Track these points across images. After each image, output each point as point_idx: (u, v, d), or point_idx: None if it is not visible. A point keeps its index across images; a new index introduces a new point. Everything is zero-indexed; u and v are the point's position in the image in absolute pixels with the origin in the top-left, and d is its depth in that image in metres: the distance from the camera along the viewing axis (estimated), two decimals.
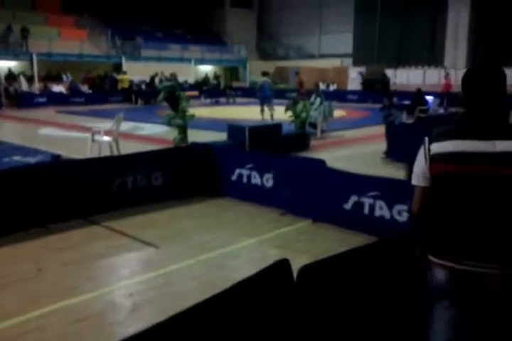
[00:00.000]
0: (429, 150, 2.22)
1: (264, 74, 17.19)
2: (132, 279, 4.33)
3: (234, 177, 6.96)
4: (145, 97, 25.83)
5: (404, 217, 5.06)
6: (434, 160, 2.20)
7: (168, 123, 10.66)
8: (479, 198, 2.11)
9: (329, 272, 2.84)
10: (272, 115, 15.70)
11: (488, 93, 2.15)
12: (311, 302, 2.80)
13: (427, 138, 2.26)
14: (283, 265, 2.80)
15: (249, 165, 6.74)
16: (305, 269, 2.70)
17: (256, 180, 6.69)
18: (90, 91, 26.66)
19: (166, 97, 10.28)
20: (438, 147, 2.19)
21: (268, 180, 6.56)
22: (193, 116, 10.09)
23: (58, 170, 6.04)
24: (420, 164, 2.28)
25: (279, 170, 6.44)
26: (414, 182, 2.35)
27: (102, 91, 27.27)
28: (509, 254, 2.10)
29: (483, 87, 2.15)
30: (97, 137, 9.33)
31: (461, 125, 2.22)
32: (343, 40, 34.09)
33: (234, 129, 9.74)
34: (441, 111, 20.37)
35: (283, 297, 2.77)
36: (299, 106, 11.63)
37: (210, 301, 2.32)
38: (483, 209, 2.11)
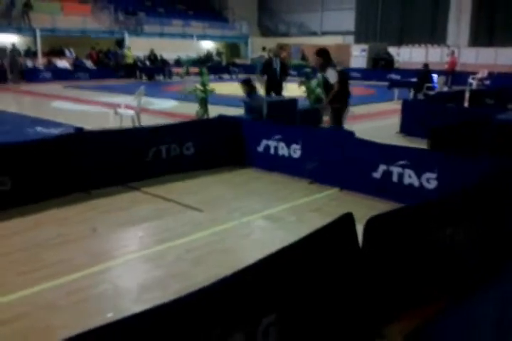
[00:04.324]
0: None
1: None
2: (186, 238, 4.64)
3: (260, 149, 7.24)
4: (148, 73, 25.92)
5: (432, 185, 5.39)
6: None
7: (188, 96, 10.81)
8: None
9: (395, 223, 3.12)
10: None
11: None
12: (378, 255, 3.04)
13: None
14: (347, 218, 3.09)
15: (277, 137, 7.01)
16: (372, 220, 2.98)
17: (283, 151, 6.98)
18: (95, 68, 26.65)
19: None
20: None
21: (295, 151, 6.85)
22: (212, 90, 10.33)
23: (98, 139, 6.28)
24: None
25: (307, 141, 6.71)
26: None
27: (107, 66, 27.25)
28: None
29: None
30: (120, 110, 9.55)
31: None
32: (345, 18, 33.87)
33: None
34: (446, 89, 20.52)
35: (350, 250, 3.03)
36: (313, 82, 11.82)
37: (278, 255, 2.49)
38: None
